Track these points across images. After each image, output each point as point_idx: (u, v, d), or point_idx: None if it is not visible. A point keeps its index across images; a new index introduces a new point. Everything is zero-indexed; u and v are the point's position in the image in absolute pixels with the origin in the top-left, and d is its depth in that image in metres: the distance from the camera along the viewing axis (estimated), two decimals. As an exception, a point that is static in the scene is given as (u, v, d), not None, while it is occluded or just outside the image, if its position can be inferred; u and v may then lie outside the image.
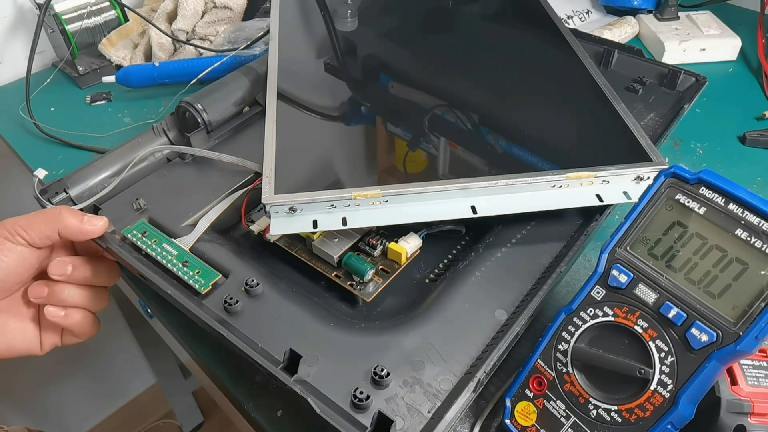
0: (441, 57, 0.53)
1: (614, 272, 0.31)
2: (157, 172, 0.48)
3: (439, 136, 0.44)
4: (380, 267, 0.41)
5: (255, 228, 0.44)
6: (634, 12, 0.72)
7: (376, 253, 0.41)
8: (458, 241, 0.44)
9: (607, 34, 0.66)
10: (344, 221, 0.39)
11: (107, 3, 0.66)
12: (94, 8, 0.65)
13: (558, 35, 0.56)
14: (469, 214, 0.39)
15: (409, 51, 0.54)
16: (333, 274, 0.41)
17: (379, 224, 0.39)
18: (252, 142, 0.51)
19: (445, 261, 0.43)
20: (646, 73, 0.56)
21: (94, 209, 0.44)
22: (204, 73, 0.61)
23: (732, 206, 0.28)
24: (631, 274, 0.30)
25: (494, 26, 0.59)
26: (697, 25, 0.67)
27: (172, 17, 0.66)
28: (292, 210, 0.39)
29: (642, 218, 0.31)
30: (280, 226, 0.39)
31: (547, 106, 0.48)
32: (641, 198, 0.32)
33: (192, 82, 0.61)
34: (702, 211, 0.29)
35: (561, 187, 0.41)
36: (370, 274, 0.40)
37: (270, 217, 0.40)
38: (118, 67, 0.67)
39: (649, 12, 0.71)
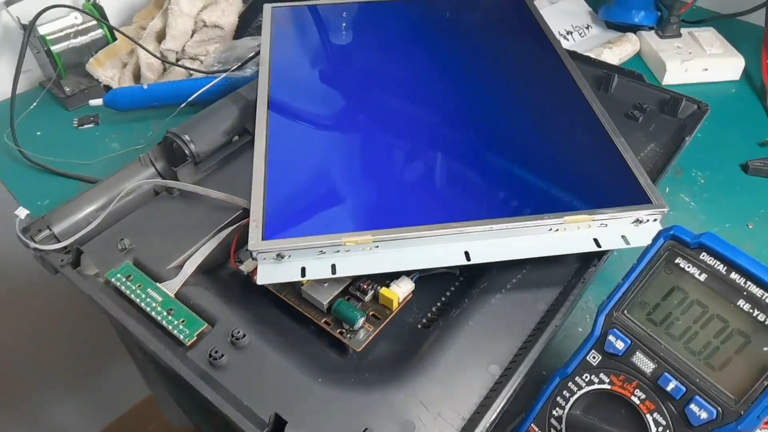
0: (432, 87, 0.52)
1: (611, 337, 0.30)
2: (143, 208, 0.47)
3: (431, 177, 0.43)
4: (371, 313, 0.40)
5: (244, 268, 0.43)
6: (634, 28, 0.70)
7: (367, 298, 0.40)
8: (451, 283, 0.43)
9: (607, 53, 0.65)
10: (333, 269, 0.38)
11: (94, 22, 0.64)
12: (80, 27, 0.63)
13: (556, 60, 0.55)
14: (463, 261, 0.38)
15: (401, 79, 0.53)
16: (322, 321, 0.40)
17: (369, 272, 0.38)
18: (242, 173, 0.49)
19: (438, 304, 0.42)
20: (647, 99, 0.55)
21: (77, 252, 0.43)
22: (194, 96, 0.60)
23: (734, 275, 0.27)
24: (629, 341, 0.29)
25: (488, 50, 0.57)
26: (700, 44, 0.65)
27: (161, 36, 0.65)
28: (280, 257, 0.38)
29: (640, 281, 0.30)
30: (267, 274, 0.38)
31: (542, 141, 0.46)
32: (640, 259, 0.30)
33: (182, 105, 0.60)
34: (703, 278, 0.28)
35: (558, 230, 0.40)
36: (360, 322, 0.39)
37: (257, 263, 0.39)
38: (107, 87, 0.65)
39: (651, 29, 0.69)
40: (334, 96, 0.53)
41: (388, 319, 0.40)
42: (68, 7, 0.61)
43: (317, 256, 0.39)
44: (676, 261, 0.29)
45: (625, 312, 0.30)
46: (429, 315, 0.41)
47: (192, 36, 0.65)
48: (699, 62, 0.63)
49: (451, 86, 0.51)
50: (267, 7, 0.63)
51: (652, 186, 0.42)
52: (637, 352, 0.29)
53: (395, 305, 0.40)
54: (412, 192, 0.42)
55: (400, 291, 0.40)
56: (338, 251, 0.38)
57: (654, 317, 0.29)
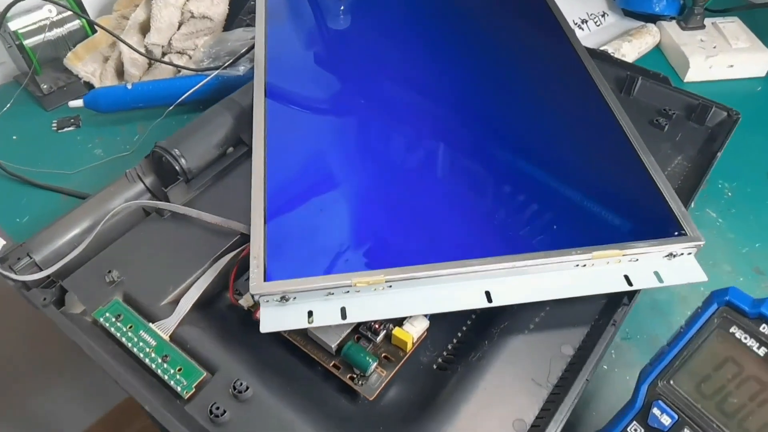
0: (445, 99, 0.47)
1: (655, 410, 0.27)
2: (132, 232, 0.43)
3: (447, 209, 0.39)
4: (383, 354, 0.37)
5: (244, 303, 0.39)
6: (654, 18, 0.65)
7: (379, 339, 0.37)
8: (467, 317, 0.40)
9: (626, 47, 0.60)
10: (343, 313, 0.35)
11: (70, 12, 0.58)
12: (55, 19, 0.58)
13: (576, 63, 0.50)
14: (484, 303, 0.35)
15: (414, 87, 0.49)
16: (331, 364, 0.37)
17: (382, 318, 0.35)
18: (238, 190, 0.45)
19: (455, 341, 0.39)
20: (672, 104, 0.51)
21: (61, 290, 0.39)
22: (183, 97, 0.55)
23: (800, 353, 0.24)
24: (676, 416, 0.27)
25: (504, 54, 0.53)
26: (725, 36, 0.61)
27: (145, 28, 0.59)
28: (284, 299, 0.35)
29: (689, 348, 0.27)
30: (271, 321, 0.35)
31: (565, 164, 0.42)
32: (689, 324, 0.27)
33: (170, 108, 0.55)
34: (762, 352, 0.25)
35: (585, 266, 0.37)
36: (372, 367, 0.36)
37: (260, 306, 0.35)
38: (87, 84, 0.60)
39: (672, 19, 0.65)
40: (338, 103, 0.48)
41: (401, 363, 0.37)
42: (42, -1, 0.55)
43: (325, 297, 0.35)
44: (731, 330, 0.26)
45: (672, 382, 0.27)
46: (445, 354, 0.38)
47: (179, 28, 0.59)
48: (724, 58, 0.59)
49: (465, 100, 0.47)
50: (260, -5, 0.57)
51: (686, 214, 0.39)
52: (685, 429, 0.26)
53: (409, 347, 0.37)
54: (428, 226, 0.38)
55: (415, 331, 0.37)
56: (348, 292, 0.35)
57: (704, 390, 0.27)
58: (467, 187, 0.40)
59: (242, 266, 0.41)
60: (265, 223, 0.38)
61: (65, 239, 0.43)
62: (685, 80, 0.61)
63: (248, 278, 0.41)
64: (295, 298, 0.35)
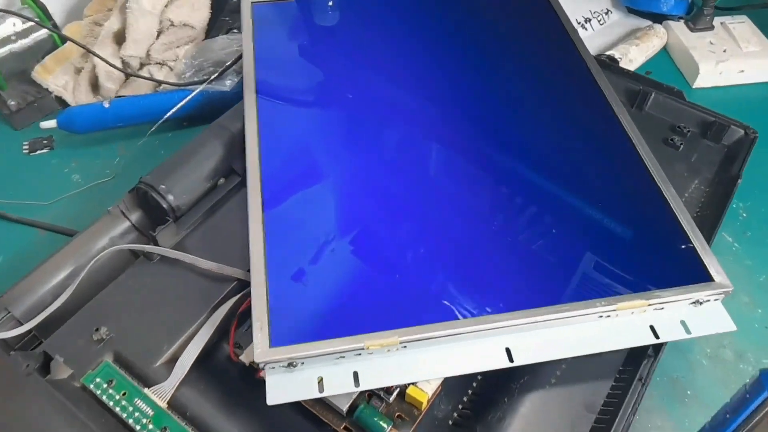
0: (448, 128, 0.44)
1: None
2: (119, 280, 0.40)
3: (464, 261, 0.36)
4: (397, 414, 0.35)
5: (245, 359, 0.37)
6: (660, 18, 0.62)
7: (392, 398, 0.35)
8: (483, 366, 0.38)
9: (633, 52, 0.58)
10: (356, 378, 0.33)
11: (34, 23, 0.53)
12: (20, 29, 0.53)
13: (588, 80, 0.47)
14: (505, 363, 0.33)
15: (419, 112, 0.45)
16: (342, 427, 0.35)
17: (399, 383, 0.33)
18: (232, 227, 0.42)
19: (470, 393, 0.37)
20: (686, 120, 0.49)
21: (45, 356, 0.36)
22: (166, 117, 0.51)
23: None
24: None
25: (508, 69, 0.49)
26: (735, 38, 0.59)
27: (120, 37, 0.55)
28: (292, 365, 0.33)
29: (736, 434, 0.25)
30: (278, 391, 0.32)
31: (581, 205, 0.40)
32: (736, 410, 0.26)
33: (152, 129, 0.51)
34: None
35: (609, 317, 0.35)
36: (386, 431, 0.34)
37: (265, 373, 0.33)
38: (59, 99, 0.55)
39: (680, 18, 0.62)
40: (342, 128, 0.45)
41: (417, 422, 0.35)
42: (4, 11, 0.50)
43: (335, 361, 0.33)
44: (784, 419, 0.24)
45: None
46: (461, 407, 0.37)
47: (157, 38, 0.55)
48: (735, 63, 0.57)
49: (470, 132, 0.44)
50: (246, 3, 0.53)
51: (711, 256, 0.37)
52: None
53: (425, 405, 0.35)
54: (444, 280, 0.36)
55: (430, 388, 0.35)
56: (359, 354, 0.33)
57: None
58: (484, 238, 0.37)
59: (242, 318, 0.38)
60: (266, 279, 0.35)
61: (45, 289, 0.40)
62: (693, 86, 0.58)
63: (248, 329, 0.38)
64: (303, 363, 0.33)
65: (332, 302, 0.34)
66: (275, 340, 0.33)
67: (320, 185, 0.41)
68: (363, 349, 0.32)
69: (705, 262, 0.36)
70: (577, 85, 0.48)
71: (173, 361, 0.36)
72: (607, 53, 0.57)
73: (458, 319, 0.34)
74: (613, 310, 0.34)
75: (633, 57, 0.58)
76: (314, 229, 0.38)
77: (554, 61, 0.50)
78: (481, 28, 0.53)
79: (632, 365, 0.36)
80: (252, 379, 0.36)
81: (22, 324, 0.38)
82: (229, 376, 0.38)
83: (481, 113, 0.46)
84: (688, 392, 0.39)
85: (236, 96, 0.53)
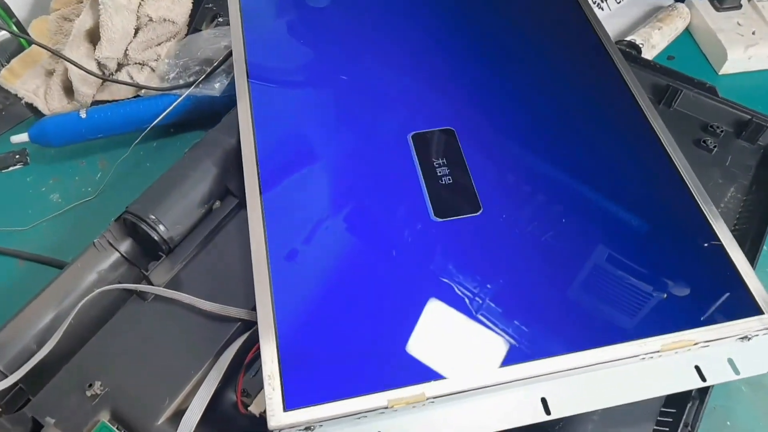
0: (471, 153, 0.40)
1: None
2: (111, 324, 0.36)
3: (493, 305, 0.33)
4: (423, 467, 0.32)
5: (255, 409, 0.34)
6: (684, -5, 0.58)
7: (418, 452, 0.32)
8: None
9: (656, 37, 0.53)
10: (380, 441, 0.30)
11: (-2, 20, 0.48)
12: (-20, 30, 0.47)
13: (613, 75, 0.43)
14: (542, 416, 0.30)
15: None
16: (364, 484, 0.32)
17: (427, 445, 0.30)
18: (232, 257, 0.39)
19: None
20: (719, 119, 0.45)
21: (34, 422, 0.33)
22: (150, 126, 0.47)
23: None
24: None
25: (519, 61, 0.45)
26: (764, 18, 0.54)
27: (94, 36, 0.49)
28: (309, 429, 0.30)
29: None
30: (295, 459, 0.29)
31: (605, 220, 0.36)
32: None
33: (136, 142, 0.47)
34: None
35: (652, 358, 0.32)
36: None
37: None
38: (30, 106, 0.50)
39: (704, -3, 0.57)
40: (351, 138, 0.40)
41: (445, 475, 0.32)
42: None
43: (357, 421, 0.30)
44: None
45: None
46: (490, 454, 0.34)
47: (135, 35, 0.49)
48: (766, 47, 0.53)
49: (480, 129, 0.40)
50: (231, -7, 0.47)
51: (758, 285, 0.34)
52: None
53: (453, 458, 0.32)
54: (471, 325, 0.32)
55: (458, 439, 0.32)
56: (383, 413, 0.30)
57: None
58: (511, 280, 0.34)
59: (249, 362, 0.35)
60: (275, 327, 0.32)
61: (31, 334, 0.36)
62: (720, 72, 0.54)
63: (257, 374, 0.35)
64: (321, 425, 0.30)
65: (350, 353, 0.31)
66: (290, 402, 0.30)
67: (334, 211, 0.37)
68: (387, 408, 0.29)
69: (752, 292, 0.33)
70: (602, 84, 0.44)
71: (177, 415, 0.33)
72: (628, 38, 0.53)
73: (489, 368, 0.31)
74: (657, 351, 0.31)
75: (655, 42, 0.53)
76: (327, 267, 0.34)
77: (575, 55, 0.46)
78: (494, 13, 0.48)
79: (674, 407, 0.33)
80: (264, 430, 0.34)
81: (6, 376, 0.35)
82: (238, 428, 0.35)
83: (491, 109, 0.42)
84: (728, 423, 0.37)
85: (228, 100, 0.49)
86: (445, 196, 0.37)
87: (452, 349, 0.31)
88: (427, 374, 0.30)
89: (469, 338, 0.32)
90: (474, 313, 0.32)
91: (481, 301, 0.33)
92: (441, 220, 0.36)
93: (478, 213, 0.36)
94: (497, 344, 0.31)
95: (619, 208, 0.37)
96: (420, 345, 0.31)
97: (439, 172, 0.38)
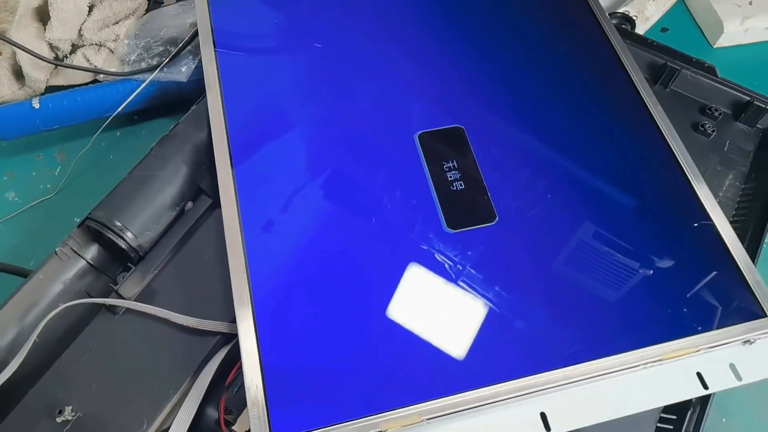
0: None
1: None
2: (79, 341, 0.34)
3: (487, 319, 0.31)
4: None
5: (239, 428, 0.32)
6: (678, -39, 0.54)
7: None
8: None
9: (650, 8, 0.50)
10: (373, 464, 0.28)
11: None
12: None
13: (608, 55, 0.41)
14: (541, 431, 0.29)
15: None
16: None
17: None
18: (207, 261, 0.36)
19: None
20: (717, 100, 0.43)
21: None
22: (111, 118, 0.43)
23: None
24: None
25: (508, 38, 0.42)
26: (761, -13, 0.52)
27: (43, 14, 0.44)
28: (299, 455, 0.28)
29: None
30: (285, 490, 0.28)
31: (597, 218, 0.34)
32: None
33: (96, 134, 0.43)
34: None
35: (653, 366, 0.31)
36: None
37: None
38: (-24, 93, 0.46)
39: (700, -37, 0.54)
40: (338, 128, 0.37)
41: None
42: None
43: (348, 445, 0.28)
44: None
45: None
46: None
47: (90, 13, 0.45)
48: (762, 19, 0.50)
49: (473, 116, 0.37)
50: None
51: (762, 285, 0.32)
52: None
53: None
54: (467, 342, 0.31)
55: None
56: (376, 436, 0.28)
57: None
58: (505, 291, 0.32)
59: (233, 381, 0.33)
60: (259, 351, 0.30)
61: (-9, 355, 0.33)
62: (715, 45, 0.52)
63: (239, 389, 0.33)
64: (312, 451, 0.28)
65: (339, 374, 0.29)
66: (277, 425, 0.28)
67: (318, 211, 0.34)
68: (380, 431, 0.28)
69: (756, 294, 0.32)
70: (597, 65, 0.41)
71: (155, 440, 0.31)
72: (622, 10, 0.50)
73: (487, 385, 0.29)
74: (658, 359, 0.30)
75: (650, 14, 0.50)
76: (313, 276, 0.32)
77: (578, 41, 0.43)
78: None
79: (673, 413, 0.32)
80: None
81: (-35, 402, 0.32)
82: (223, 448, 0.33)
83: (479, 90, 0.39)
84: (723, 420, 0.36)
85: (195, 85, 0.45)
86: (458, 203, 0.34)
87: (451, 361, 0.30)
88: (421, 394, 0.29)
89: (468, 349, 0.30)
90: (475, 324, 0.31)
91: (480, 314, 0.31)
92: (454, 231, 0.33)
93: (494, 222, 0.34)
94: (492, 358, 0.30)
95: (620, 210, 0.35)
96: (411, 363, 0.30)
97: (450, 177, 0.35)
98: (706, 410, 0.31)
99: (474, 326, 0.31)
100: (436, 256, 0.32)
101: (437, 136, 0.36)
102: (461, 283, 0.32)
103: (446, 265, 0.32)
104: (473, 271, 0.32)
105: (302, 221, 0.34)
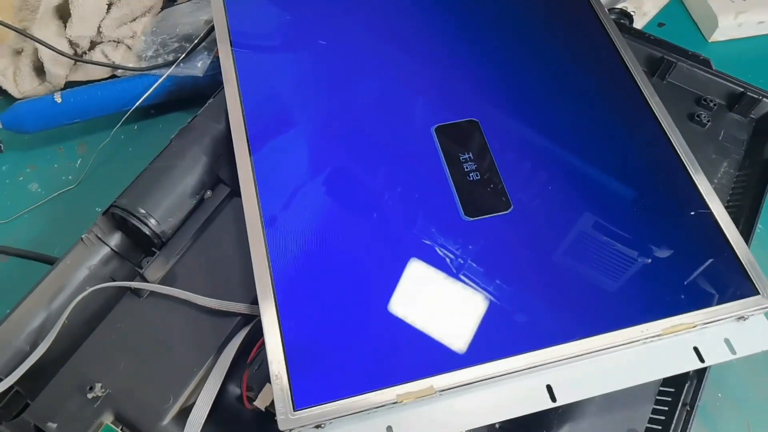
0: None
1: None
2: (107, 323, 0.35)
3: (497, 296, 0.33)
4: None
5: (260, 404, 0.34)
6: (675, -42, 0.56)
7: (425, 439, 0.33)
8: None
9: (648, 4, 0.52)
10: (390, 433, 0.30)
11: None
12: (-63, 8, 0.44)
13: (608, 49, 0.43)
14: (548, 403, 0.31)
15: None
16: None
17: (436, 437, 0.30)
18: (227, 247, 0.38)
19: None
20: (712, 91, 0.45)
21: (36, 430, 0.32)
22: (129, 112, 0.44)
23: None
24: None
25: (506, 31, 0.44)
26: (754, -17, 0.54)
27: (63, 12, 0.46)
28: (319, 426, 0.30)
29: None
30: (305, 456, 0.29)
31: (598, 202, 0.36)
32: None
33: (117, 127, 0.44)
34: None
35: (653, 341, 0.32)
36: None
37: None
38: (-1, 89, 0.47)
39: (695, -40, 0.56)
40: (355, 119, 0.39)
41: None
42: None
43: (366, 415, 0.30)
44: None
45: None
46: (496, 436, 0.35)
47: (108, 11, 0.46)
48: (756, 14, 0.52)
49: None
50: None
51: (755, 265, 0.34)
52: None
53: (459, 443, 0.33)
54: (478, 316, 0.32)
55: None
56: (392, 407, 0.30)
57: None
58: (515, 272, 0.34)
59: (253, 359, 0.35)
60: (280, 327, 0.31)
61: (23, 335, 0.35)
62: (710, 40, 0.54)
63: (260, 367, 0.35)
64: (331, 422, 0.30)
65: (357, 349, 0.31)
66: (299, 402, 0.29)
67: (334, 196, 0.36)
68: (395, 402, 0.30)
69: (749, 272, 0.34)
70: (599, 59, 0.43)
71: (182, 414, 0.33)
72: (620, 6, 0.52)
73: (496, 359, 0.31)
74: (657, 335, 0.32)
75: (647, 10, 0.52)
76: (330, 256, 0.34)
77: (573, 28, 0.45)
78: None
79: (672, 386, 0.34)
80: (270, 424, 0.34)
81: (1, 379, 0.34)
82: (245, 424, 0.35)
83: (480, 85, 0.41)
84: (719, 395, 0.38)
85: (212, 79, 0.46)
86: (475, 193, 0.36)
87: (463, 337, 0.32)
88: (435, 367, 0.31)
89: (479, 326, 0.32)
90: (483, 302, 0.33)
91: (492, 294, 0.33)
92: (472, 219, 0.35)
93: (509, 211, 0.36)
94: (503, 334, 0.32)
95: (620, 193, 0.37)
96: (425, 337, 0.32)
97: (466, 168, 0.37)
98: (702, 383, 0.33)
99: (485, 305, 0.32)
100: (453, 241, 0.34)
101: (453, 129, 0.38)
102: (476, 266, 0.34)
103: (463, 250, 0.34)
104: (488, 256, 0.34)
105: (321, 205, 0.36)
